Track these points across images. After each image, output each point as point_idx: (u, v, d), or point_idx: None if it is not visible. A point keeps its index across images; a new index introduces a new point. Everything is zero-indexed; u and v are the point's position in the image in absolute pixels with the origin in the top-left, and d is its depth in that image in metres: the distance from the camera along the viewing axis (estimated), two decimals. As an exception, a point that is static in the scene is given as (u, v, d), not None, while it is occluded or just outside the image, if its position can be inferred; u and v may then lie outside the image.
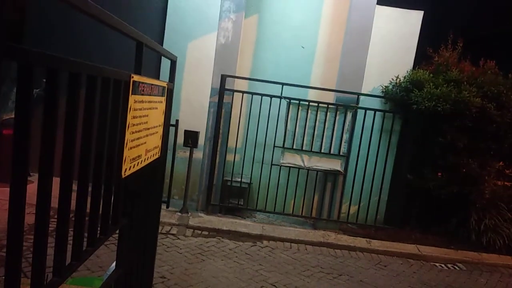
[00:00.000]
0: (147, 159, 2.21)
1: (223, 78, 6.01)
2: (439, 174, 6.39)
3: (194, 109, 6.68)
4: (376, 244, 5.96)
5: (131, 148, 1.82)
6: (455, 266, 5.70)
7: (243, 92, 6.14)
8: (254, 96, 6.17)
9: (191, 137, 5.92)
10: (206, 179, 6.32)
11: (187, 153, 6.11)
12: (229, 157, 6.44)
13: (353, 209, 6.46)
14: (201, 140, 6.24)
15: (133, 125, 1.80)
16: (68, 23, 5.68)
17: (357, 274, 4.96)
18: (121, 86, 1.60)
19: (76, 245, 1.33)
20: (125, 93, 1.66)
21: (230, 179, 6.45)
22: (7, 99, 6.14)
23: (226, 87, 6.11)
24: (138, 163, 1.99)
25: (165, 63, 6.23)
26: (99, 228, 1.60)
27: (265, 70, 6.66)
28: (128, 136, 1.73)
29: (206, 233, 5.65)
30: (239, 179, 6.40)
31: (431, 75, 6.19)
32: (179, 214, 6.02)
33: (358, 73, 6.12)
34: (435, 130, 6.06)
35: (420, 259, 5.75)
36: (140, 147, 1.99)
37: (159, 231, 5.40)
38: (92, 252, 1.48)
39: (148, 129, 2.11)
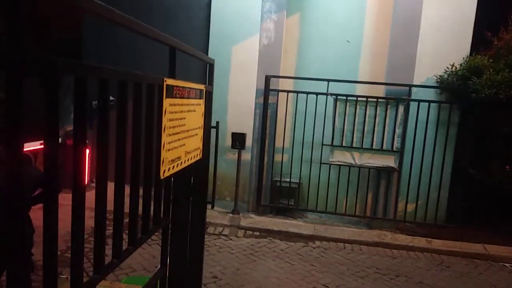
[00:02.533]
0: (188, 161, 2.26)
1: (267, 78, 6.03)
2: (508, 167, 5.87)
3: (241, 111, 6.76)
4: (437, 243, 5.61)
5: (169, 150, 1.87)
6: (528, 267, 5.20)
7: (287, 91, 6.11)
8: (300, 94, 6.11)
9: (238, 139, 6.00)
10: (255, 180, 6.36)
11: (236, 155, 6.20)
12: (277, 157, 6.43)
13: (411, 207, 6.14)
14: (249, 141, 6.30)
15: (170, 127, 1.85)
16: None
17: (416, 276, 4.70)
18: (154, 90, 1.65)
19: (116, 243, 1.39)
20: (160, 96, 1.71)
21: (280, 179, 6.43)
22: (70, 112, 6.64)
23: (271, 87, 6.12)
24: (177, 164, 2.04)
25: (216, 68, 6.41)
26: (140, 228, 1.66)
27: (310, 67, 6.57)
28: (164, 138, 1.79)
29: (258, 233, 5.68)
30: (288, 179, 6.36)
31: (491, 60, 5.72)
32: (231, 215, 6.12)
33: (409, 64, 5.83)
34: (498, 120, 5.58)
35: (487, 259, 5.33)
36: (179, 149, 2.04)
37: (212, 232, 5.58)
38: (133, 251, 1.54)
39: (187, 131, 2.16)
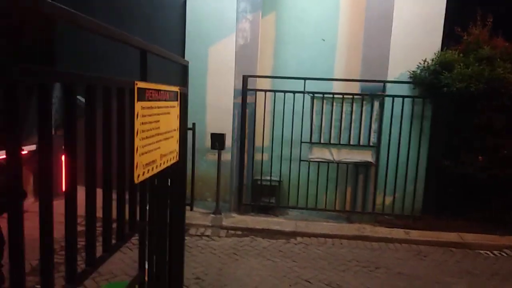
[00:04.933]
0: (164, 164, 2.25)
1: (245, 78, 6.04)
2: (480, 157, 6.07)
3: (220, 111, 6.75)
4: (415, 234, 5.76)
5: (143, 154, 1.87)
6: (502, 253, 5.41)
7: (265, 91, 6.14)
8: (277, 93, 6.15)
9: (217, 140, 6.00)
10: (236, 180, 6.38)
11: (216, 156, 6.20)
12: (258, 157, 6.46)
13: (388, 200, 6.28)
14: (229, 141, 6.30)
15: (143, 131, 1.84)
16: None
17: (396, 266, 4.82)
18: (125, 94, 1.64)
19: (89, 250, 1.38)
20: (132, 100, 1.70)
21: (260, 178, 6.46)
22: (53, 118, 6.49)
23: (249, 87, 6.13)
24: (153, 168, 2.04)
25: (193, 69, 6.37)
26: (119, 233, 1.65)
27: (287, 66, 6.62)
28: (138, 142, 1.78)
29: (240, 232, 5.70)
30: (269, 178, 6.40)
31: (461, 55, 5.90)
32: (213, 215, 6.12)
33: (382, 60, 5.94)
34: (469, 112, 5.77)
35: (463, 247, 5.51)
36: (153, 152, 2.03)
37: (194, 233, 5.56)
38: (107, 257, 1.53)
39: (162, 134, 2.15)
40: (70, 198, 1.25)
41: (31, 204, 4.50)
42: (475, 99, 5.63)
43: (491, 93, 5.56)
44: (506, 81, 5.44)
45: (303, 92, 6.01)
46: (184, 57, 6.62)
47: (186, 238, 5.26)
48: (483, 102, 5.65)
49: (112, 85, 1.51)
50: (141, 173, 1.85)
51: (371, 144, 6.07)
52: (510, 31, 6.06)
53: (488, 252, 5.42)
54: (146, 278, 2.13)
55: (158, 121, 2.07)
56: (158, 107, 2.07)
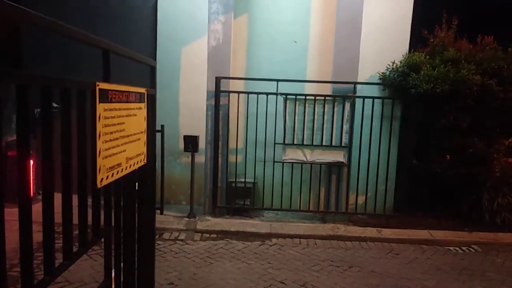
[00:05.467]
0: (130, 167, 2.20)
1: (217, 80, 6.00)
2: (448, 156, 6.27)
3: (193, 113, 6.69)
4: (387, 232, 5.88)
5: (106, 157, 1.81)
6: (470, 249, 5.58)
7: (238, 92, 6.12)
8: (250, 95, 6.15)
9: (190, 142, 5.94)
10: (210, 182, 6.32)
11: (190, 158, 6.13)
12: (232, 158, 6.42)
13: (361, 199, 6.38)
14: (202, 143, 6.24)
15: (106, 133, 1.79)
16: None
17: (368, 265, 4.89)
18: (86, 96, 1.59)
19: (46, 259, 1.32)
20: (93, 102, 1.65)
21: (235, 180, 6.43)
22: (10, 122, 6.26)
23: (222, 88, 6.10)
24: (117, 171, 1.98)
25: (165, 70, 6.31)
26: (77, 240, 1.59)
27: (260, 68, 6.63)
28: (100, 145, 1.73)
29: (215, 236, 5.65)
30: (244, 180, 6.38)
31: (427, 57, 6.08)
32: (187, 219, 6.03)
33: (353, 62, 6.04)
34: (436, 113, 5.94)
35: (433, 244, 5.65)
36: (118, 155, 1.98)
37: (168, 237, 5.47)
38: (69, 265, 1.47)
39: (127, 136, 2.10)
40: (24, 204, 1.19)
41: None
42: (442, 100, 5.81)
43: (456, 94, 5.74)
44: (470, 82, 5.63)
45: (276, 94, 6.03)
46: (155, 58, 6.52)
47: (159, 242, 5.19)
48: (448, 103, 5.84)
49: (72, 86, 1.46)
50: (104, 177, 1.80)
51: (343, 144, 6.15)
52: (474, 33, 6.30)
53: (457, 248, 5.58)
54: (114, 286, 2.07)
55: (123, 123, 2.02)
56: (123, 109, 2.01)
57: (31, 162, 4.73)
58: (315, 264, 4.83)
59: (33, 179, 5.53)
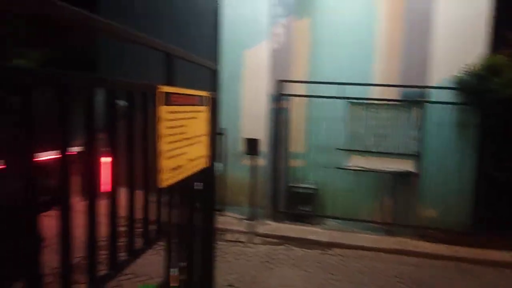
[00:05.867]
0: (192, 169, 2.24)
1: (279, 83, 5.98)
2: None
3: (254, 116, 6.71)
4: (463, 251, 5.36)
5: (168, 158, 1.85)
6: None
7: (300, 96, 6.04)
8: (312, 98, 6.03)
9: (251, 145, 5.96)
10: (271, 186, 6.30)
11: (251, 161, 6.16)
12: (293, 163, 6.34)
13: (433, 212, 5.91)
14: (264, 147, 6.25)
15: (168, 135, 1.83)
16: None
17: (441, 285, 4.50)
18: (148, 99, 1.64)
19: (111, 254, 1.38)
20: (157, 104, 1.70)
21: (296, 185, 6.34)
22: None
23: (284, 92, 6.06)
24: (179, 173, 2.02)
25: (228, 74, 6.47)
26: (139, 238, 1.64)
27: (323, 71, 6.47)
28: (163, 146, 1.77)
29: (275, 240, 5.60)
30: (305, 185, 6.26)
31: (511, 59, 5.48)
32: (247, 221, 6.07)
33: (423, 65, 5.64)
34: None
35: (518, 268, 5.05)
36: (180, 157, 2.02)
37: (230, 239, 5.54)
38: (132, 261, 1.51)
39: (189, 139, 2.14)
40: (91, 202, 1.25)
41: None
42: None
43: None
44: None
45: (340, 98, 5.84)
46: (217, 62, 6.67)
47: (222, 243, 5.27)
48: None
49: (136, 90, 1.51)
50: (167, 177, 1.84)
51: (411, 152, 5.76)
52: None
53: (547, 273, 4.93)
54: (175, 283, 2.12)
55: (185, 125, 2.06)
56: (184, 112, 2.06)
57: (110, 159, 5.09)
58: (380, 279, 4.56)
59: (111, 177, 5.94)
